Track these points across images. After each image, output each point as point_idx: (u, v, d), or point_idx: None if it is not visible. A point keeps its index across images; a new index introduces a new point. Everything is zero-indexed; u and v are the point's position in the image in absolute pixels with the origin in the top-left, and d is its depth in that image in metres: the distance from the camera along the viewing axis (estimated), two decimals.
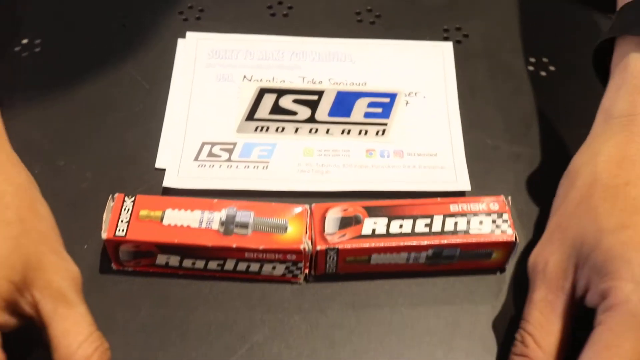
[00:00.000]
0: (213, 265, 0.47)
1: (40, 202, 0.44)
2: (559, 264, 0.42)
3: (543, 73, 0.59)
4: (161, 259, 0.47)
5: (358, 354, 0.45)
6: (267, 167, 0.52)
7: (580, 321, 0.41)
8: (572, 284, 0.41)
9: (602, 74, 0.49)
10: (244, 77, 0.57)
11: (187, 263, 0.47)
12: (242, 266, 0.47)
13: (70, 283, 0.42)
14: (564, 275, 0.42)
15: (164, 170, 0.52)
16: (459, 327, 0.46)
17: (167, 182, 0.51)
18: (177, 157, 0.52)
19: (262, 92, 0.56)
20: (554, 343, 0.41)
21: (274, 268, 0.47)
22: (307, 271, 0.47)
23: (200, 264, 0.47)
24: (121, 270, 0.48)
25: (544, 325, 0.41)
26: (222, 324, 0.46)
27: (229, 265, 0.47)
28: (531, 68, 0.60)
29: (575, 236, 0.42)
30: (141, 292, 0.47)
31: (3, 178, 0.42)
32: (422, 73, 0.58)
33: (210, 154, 0.53)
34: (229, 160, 0.52)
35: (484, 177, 0.53)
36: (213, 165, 0.52)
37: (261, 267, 0.47)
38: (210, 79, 0.57)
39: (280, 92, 0.56)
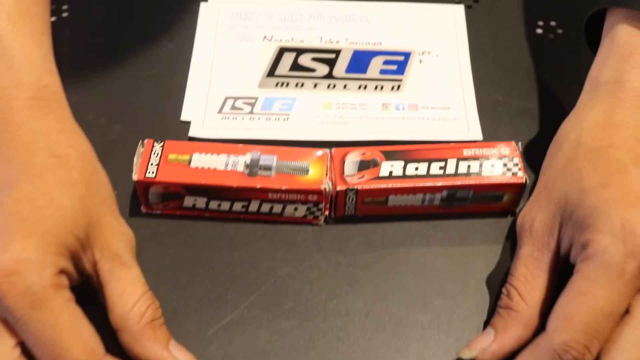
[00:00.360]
0: (238, 206, 0.49)
1: (100, 169, 0.46)
2: (544, 222, 0.44)
3: (551, 36, 0.62)
4: (188, 201, 0.49)
5: (375, 290, 0.47)
6: (287, 119, 0.54)
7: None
8: (557, 242, 0.44)
9: (596, 44, 0.51)
10: (264, 37, 0.59)
11: (213, 205, 0.49)
12: (265, 207, 0.49)
13: (126, 245, 0.44)
14: (549, 233, 0.44)
15: (189, 122, 0.55)
16: (472, 266, 0.49)
17: (193, 132, 0.54)
18: (201, 110, 0.55)
19: (282, 51, 0.59)
20: (537, 297, 0.43)
21: (295, 209, 0.49)
22: (327, 213, 0.50)
23: (225, 205, 0.49)
24: (150, 214, 0.50)
25: (529, 280, 0.44)
26: (246, 262, 0.49)
27: (253, 206, 0.49)
28: (539, 31, 0.62)
29: (560, 196, 0.44)
30: (169, 233, 0.50)
31: (68, 144, 0.44)
32: (435, 34, 0.60)
33: (233, 107, 0.55)
34: (251, 112, 0.55)
35: (494, 129, 0.55)
36: (236, 118, 0.55)
37: (283, 208, 0.49)
38: (232, 39, 0.59)
39: (300, 51, 0.58)
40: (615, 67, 0.47)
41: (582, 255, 0.41)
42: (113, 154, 0.53)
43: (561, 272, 0.44)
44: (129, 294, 0.43)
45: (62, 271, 0.39)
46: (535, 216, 0.45)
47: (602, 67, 0.48)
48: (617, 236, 0.39)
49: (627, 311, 0.39)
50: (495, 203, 0.50)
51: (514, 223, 0.50)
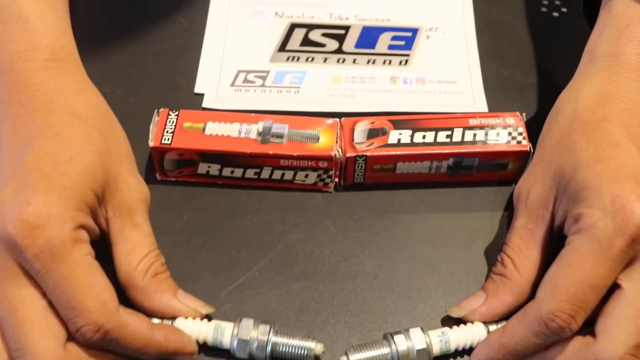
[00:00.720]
0: (250, 173, 0.51)
1: (119, 128, 0.47)
2: (540, 195, 0.45)
3: (555, 14, 0.63)
4: (202, 168, 0.51)
5: (383, 253, 0.49)
6: (298, 91, 0.56)
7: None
8: (552, 215, 0.44)
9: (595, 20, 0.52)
10: (276, 13, 0.61)
11: (226, 172, 0.51)
12: (277, 174, 0.51)
13: (140, 205, 0.45)
14: (544, 205, 0.45)
15: (202, 95, 0.56)
16: (477, 232, 0.50)
17: (206, 103, 0.55)
18: (214, 83, 0.57)
19: (293, 27, 0.60)
20: (531, 267, 0.44)
21: (306, 176, 0.51)
22: (336, 180, 0.51)
23: (238, 172, 0.51)
24: (165, 181, 0.52)
25: (523, 250, 0.45)
26: (258, 227, 0.50)
27: (265, 173, 0.51)
28: (544, 9, 0.64)
29: (555, 169, 0.44)
30: (183, 199, 0.51)
31: (86, 104, 0.46)
32: (442, 11, 0.62)
33: (246, 80, 0.57)
34: (262, 85, 0.56)
35: (500, 103, 0.56)
36: (248, 90, 0.56)
37: (294, 175, 0.51)
38: (244, 15, 0.61)
39: (310, 27, 0.60)
40: (612, 40, 0.47)
41: (573, 229, 0.42)
42: (129, 125, 0.54)
43: (556, 245, 0.45)
44: (136, 253, 0.44)
45: (81, 226, 0.41)
46: (531, 188, 0.46)
47: (598, 40, 0.48)
48: (607, 212, 0.40)
49: (618, 286, 0.40)
50: (500, 171, 0.51)
51: None
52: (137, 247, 0.44)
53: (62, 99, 0.44)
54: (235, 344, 0.43)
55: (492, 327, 0.44)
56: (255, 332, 0.43)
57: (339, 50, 0.59)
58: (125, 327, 0.40)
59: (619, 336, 0.39)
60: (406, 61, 0.58)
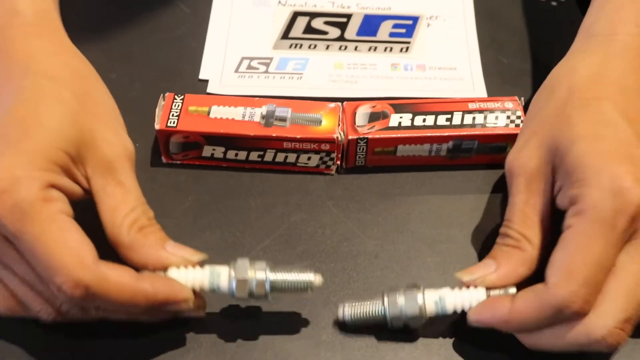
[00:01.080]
0: (254, 156, 0.52)
1: (100, 89, 0.47)
2: (538, 169, 0.44)
3: (554, 3, 0.64)
4: (207, 151, 0.52)
5: (384, 234, 0.50)
6: (301, 77, 0.57)
7: None
8: (552, 188, 0.44)
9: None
10: (279, 2, 0.62)
11: (231, 154, 0.52)
12: (280, 157, 0.52)
13: (122, 161, 0.44)
14: (544, 179, 0.44)
15: (207, 81, 0.57)
16: (476, 213, 0.51)
17: (211, 89, 0.56)
18: (219, 69, 0.58)
19: (296, 15, 0.61)
20: (540, 239, 0.43)
21: (309, 159, 0.52)
22: (338, 163, 0.52)
23: (242, 155, 0.52)
24: (170, 164, 0.53)
25: (530, 225, 0.44)
26: (261, 208, 0.51)
27: (268, 156, 0.52)
28: None
29: (551, 142, 0.44)
30: (188, 182, 0.53)
31: (62, 65, 0.46)
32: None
33: (249, 67, 0.58)
34: (266, 72, 0.57)
35: (498, 89, 0.58)
36: (252, 76, 0.57)
37: (297, 157, 0.52)
38: (247, 3, 0.62)
39: (312, 15, 0.61)
40: (608, 19, 0.48)
41: (572, 210, 0.42)
42: (134, 110, 0.55)
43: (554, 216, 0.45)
44: (119, 210, 0.43)
45: (51, 185, 0.40)
46: (528, 162, 0.45)
47: (595, 18, 0.49)
48: (606, 192, 0.40)
49: None
50: (499, 154, 0.52)
51: None
52: (120, 204, 0.43)
53: (38, 62, 0.44)
54: (233, 284, 0.42)
55: (494, 292, 0.43)
56: (253, 271, 0.43)
57: (341, 38, 0.60)
58: (106, 279, 0.39)
59: (609, 310, 0.40)
60: (407, 48, 0.59)
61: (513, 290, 0.43)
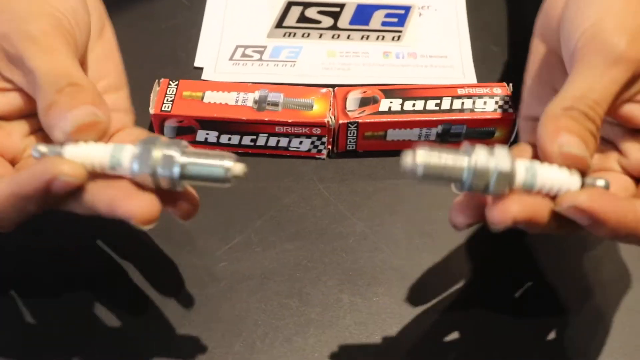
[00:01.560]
0: (247, 140, 0.53)
1: None
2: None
3: None
4: (200, 135, 0.53)
5: (374, 215, 0.51)
6: (294, 65, 0.58)
7: None
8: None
9: None
10: None
11: (224, 139, 0.53)
12: (272, 141, 0.53)
13: (55, 27, 0.38)
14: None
15: (201, 68, 0.58)
16: None
17: (205, 76, 0.57)
18: (213, 57, 0.59)
19: (290, 4, 0.62)
20: None
21: (300, 143, 0.53)
22: (329, 147, 0.53)
23: (235, 139, 0.53)
24: None
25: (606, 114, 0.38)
26: (253, 191, 0.52)
27: (261, 140, 0.53)
28: None
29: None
30: None
31: None
32: None
33: (244, 55, 0.59)
34: (260, 60, 0.59)
35: (488, 76, 0.58)
36: (246, 64, 0.58)
37: (289, 142, 0.53)
38: None
39: (306, 5, 0.62)
40: None
41: (579, 44, 0.39)
42: (131, 96, 0.56)
43: None
44: (41, 77, 0.36)
45: None
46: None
47: None
48: (618, 17, 0.38)
49: None
50: (488, 139, 0.53)
51: None
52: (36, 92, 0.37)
53: None
54: (136, 162, 0.35)
55: (589, 182, 0.35)
56: (160, 151, 0.35)
57: (334, 27, 0.61)
58: None
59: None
60: (399, 37, 0.60)
61: (605, 183, 0.36)
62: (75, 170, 0.34)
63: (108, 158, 0.35)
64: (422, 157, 0.33)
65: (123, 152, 0.35)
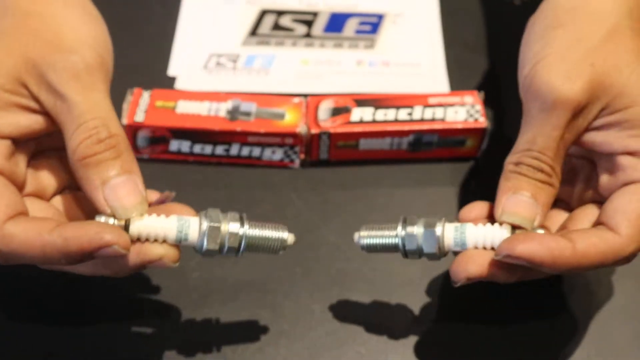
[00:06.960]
0: (220, 150, 0.53)
1: (52, 10, 0.42)
2: (584, 105, 0.41)
3: (517, 2, 0.66)
4: (174, 145, 0.53)
5: (346, 225, 0.51)
6: (268, 73, 0.58)
7: None
8: (588, 123, 0.41)
9: None
10: (247, 0, 0.63)
11: (197, 149, 0.53)
12: (245, 151, 0.53)
13: (67, 75, 0.40)
14: (587, 117, 0.41)
15: (175, 78, 0.58)
16: (436, 205, 0.52)
17: (179, 85, 0.57)
18: (187, 66, 0.59)
19: (264, 12, 0.62)
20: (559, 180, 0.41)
21: (273, 152, 0.53)
22: (302, 157, 0.53)
23: (208, 149, 0.53)
24: (138, 158, 0.53)
25: (559, 162, 0.41)
26: (226, 200, 0.52)
27: (234, 150, 0.53)
28: None
29: (604, 80, 0.40)
30: (155, 175, 0.53)
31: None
32: None
33: (217, 64, 0.59)
34: (233, 68, 0.59)
35: (461, 84, 0.59)
36: (219, 73, 0.58)
37: (262, 151, 0.53)
38: (217, 1, 0.63)
39: (280, 13, 0.62)
40: None
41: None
42: None
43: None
44: (69, 134, 0.39)
45: None
46: (577, 96, 0.40)
47: None
48: None
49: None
50: (459, 148, 0.53)
51: (476, 167, 0.54)
52: (68, 126, 0.39)
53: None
54: (205, 235, 0.38)
55: (519, 231, 0.40)
56: (226, 224, 0.39)
57: (308, 35, 0.61)
58: (11, 238, 0.37)
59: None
60: (372, 45, 0.60)
61: (540, 230, 0.40)
62: (121, 240, 0.37)
63: (175, 233, 0.38)
64: (363, 233, 0.42)
65: (190, 229, 0.38)
